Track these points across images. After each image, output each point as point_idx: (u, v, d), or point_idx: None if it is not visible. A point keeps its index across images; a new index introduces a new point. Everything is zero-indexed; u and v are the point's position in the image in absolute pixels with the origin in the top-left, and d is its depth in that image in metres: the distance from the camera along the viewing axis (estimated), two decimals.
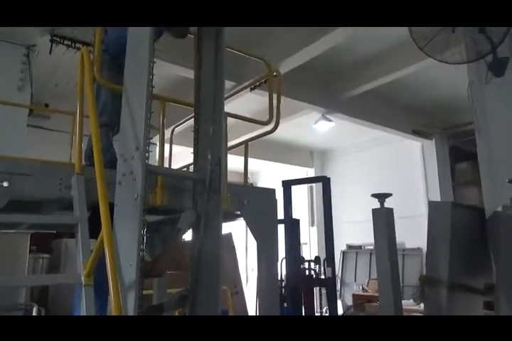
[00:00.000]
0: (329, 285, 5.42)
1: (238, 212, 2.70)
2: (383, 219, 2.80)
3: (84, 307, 1.72)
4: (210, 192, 2.29)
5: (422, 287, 2.84)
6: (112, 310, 1.62)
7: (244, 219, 2.69)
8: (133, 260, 1.81)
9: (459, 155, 9.54)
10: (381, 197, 2.79)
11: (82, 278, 1.76)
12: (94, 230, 1.88)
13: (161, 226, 3.11)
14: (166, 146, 3.07)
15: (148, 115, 1.93)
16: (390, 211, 2.86)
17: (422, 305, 3.16)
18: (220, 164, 2.27)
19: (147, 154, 2.01)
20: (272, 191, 2.87)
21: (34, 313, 4.93)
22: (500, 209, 2.80)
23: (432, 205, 3.03)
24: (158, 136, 2.96)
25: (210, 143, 2.34)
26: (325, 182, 5.81)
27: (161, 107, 2.68)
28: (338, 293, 8.46)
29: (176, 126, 4.43)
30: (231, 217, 2.90)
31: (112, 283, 1.64)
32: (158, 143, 2.89)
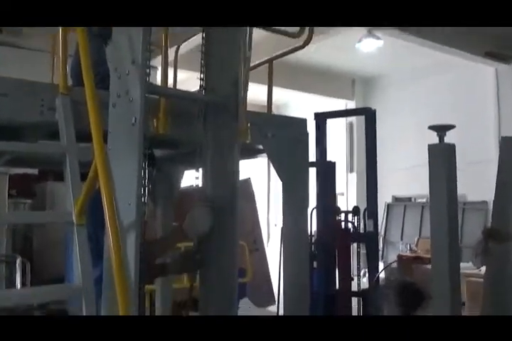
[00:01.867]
0: (370, 241, 5.51)
1: (260, 147, 2.72)
2: (443, 159, 2.77)
3: (77, 251, 1.81)
4: (224, 118, 2.28)
5: (486, 242, 2.87)
6: (111, 253, 1.69)
7: (268, 154, 2.70)
8: (132, 198, 1.87)
9: None
10: (441, 129, 2.74)
11: (74, 217, 1.83)
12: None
13: (165, 164, 3.17)
14: (170, 71, 3.04)
15: None
16: (452, 148, 2.82)
17: (483, 268, 3.21)
18: (238, 84, 2.24)
19: (147, 70, 1.99)
20: (303, 121, 2.86)
21: (17, 266, 5.23)
22: None
23: (504, 142, 2.98)
24: (159, 57, 2.92)
25: (224, 58, 2.31)
26: (369, 115, 5.72)
27: None
28: (380, 254, 8.63)
29: (184, 41, 4.35)
30: (251, 152, 2.92)
31: (109, 223, 1.70)
32: (160, 66, 2.87)
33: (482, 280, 3.13)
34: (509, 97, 9.61)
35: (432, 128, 2.80)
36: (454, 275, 2.76)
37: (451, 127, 2.79)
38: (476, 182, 8.53)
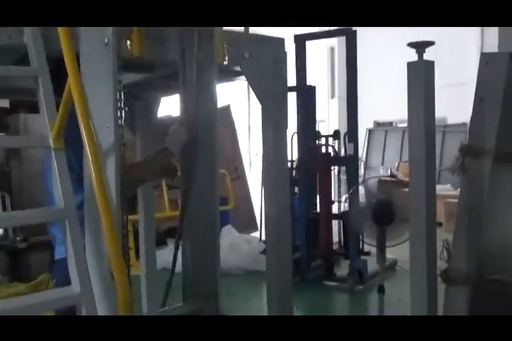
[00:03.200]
0: (350, 164, 5.65)
1: (238, 68, 2.70)
2: (422, 77, 2.79)
3: (57, 175, 1.84)
4: (200, 39, 2.26)
5: (463, 158, 2.95)
6: (91, 176, 1.73)
7: (246, 76, 2.69)
8: (109, 120, 1.88)
9: None
10: (420, 46, 2.73)
11: (51, 141, 1.84)
12: (58, 92, 1.92)
13: (142, 90, 3.14)
14: None
15: None
16: (431, 65, 2.83)
17: (458, 189, 3.35)
18: None
19: None
20: (281, 40, 2.82)
21: None
22: None
23: (484, 58, 2.98)
24: None
25: None
26: (349, 36, 5.65)
27: None
28: (360, 179, 8.85)
29: None
30: (228, 74, 2.90)
31: (88, 145, 1.73)
32: None
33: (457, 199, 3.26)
34: None
35: (411, 45, 2.79)
36: (429, 196, 2.87)
37: (430, 43, 2.78)
38: (457, 105, 8.62)
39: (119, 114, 1.93)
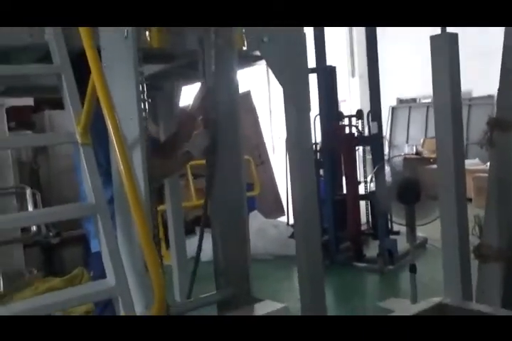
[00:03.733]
0: (375, 143, 5.61)
1: (257, 53, 2.70)
2: (445, 50, 2.75)
3: (86, 171, 1.88)
4: (217, 27, 2.26)
5: (491, 132, 2.91)
6: (120, 169, 1.76)
7: (266, 60, 2.68)
8: (133, 113, 1.91)
9: None
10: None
11: (77, 136, 1.88)
12: (80, 88, 1.95)
13: (162, 80, 3.16)
14: None
15: None
16: (455, 37, 2.79)
17: (488, 164, 3.30)
18: None
19: None
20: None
21: (28, 196, 5.39)
22: None
23: (508, 30, 2.92)
24: None
25: None
26: None
27: None
28: (386, 157, 8.80)
29: None
30: (248, 60, 2.90)
31: (114, 139, 1.75)
32: None
33: (488, 175, 3.22)
34: None
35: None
36: (459, 172, 2.84)
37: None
38: (482, 76, 8.44)
39: (142, 106, 1.96)
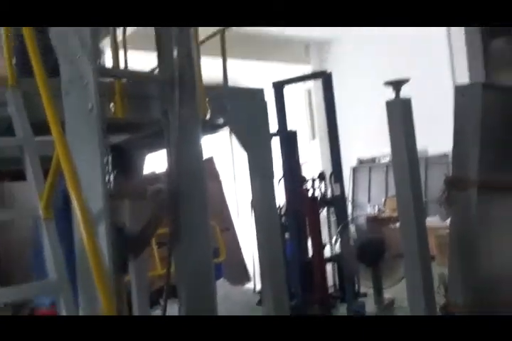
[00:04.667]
0: (338, 205, 5.66)
1: (220, 121, 2.77)
2: (400, 114, 2.88)
3: (48, 246, 1.84)
4: (181, 96, 2.31)
5: (449, 190, 3.01)
6: (84, 241, 1.73)
7: (230, 127, 2.76)
8: (98, 185, 1.90)
9: (494, 29, 9.40)
10: (396, 84, 2.83)
11: (40, 211, 1.85)
12: None
13: (127, 148, 3.19)
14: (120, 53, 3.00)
15: None
16: (408, 102, 2.93)
17: (448, 221, 3.39)
18: (191, 56, 2.26)
19: (97, 53, 2.00)
20: (260, 91, 2.91)
21: None
22: None
23: (458, 90, 3.09)
24: (108, 39, 2.89)
25: (175, 35, 2.33)
26: (325, 79, 5.80)
27: None
28: (350, 219, 8.89)
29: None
30: (212, 127, 2.97)
31: (79, 212, 1.74)
32: (109, 49, 2.84)
33: (448, 232, 3.30)
34: (460, 45, 9.87)
35: (388, 83, 2.89)
36: (420, 229, 2.90)
37: (405, 81, 2.89)
38: (436, 136, 8.77)
39: (107, 179, 1.96)
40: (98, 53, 2.02)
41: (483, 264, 3.05)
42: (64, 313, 1.77)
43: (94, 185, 1.91)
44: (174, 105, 2.36)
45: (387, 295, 5.65)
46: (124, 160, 2.65)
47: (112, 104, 2.23)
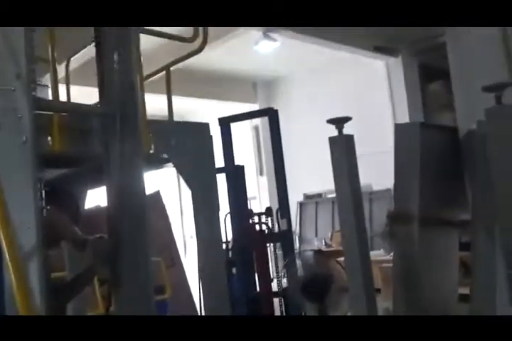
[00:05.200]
0: (285, 239, 5.63)
1: (165, 156, 2.70)
2: (343, 150, 2.90)
3: None
4: (124, 130, 2.24)
5: (391, 225, 3.03)
6: (13, 283, 1.60)
7: (174, 163, 2.69)
8: (31, 222, 1.79)
9: (431, 73, 9.87)
10: (339, 122, 2.87)
11: None
12: None
13: (66, 184, 3.05)
14: (61, 88, 2.91)
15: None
16: (350, 138, 2.97)
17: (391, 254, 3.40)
18: (134, 89, 2.21)
19: (33, 85, 1.92)
20: (205, 125, 2.88)
21: None
22: (474, 126, 2.98)
23: (398, 128, 3.17)
24: (48, 74, 2.81)
25: (118, 69, 2.28)
26: (272, 116, 5.85)
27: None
28: (296, 253, 8.85)
29: (72, 56, 4.20)
30: (156, 163, 2.89)
31: (7, 250, 1.61)
32: (50, 84, 2.76)
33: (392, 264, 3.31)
34: (400, 89, 10.27)
35: (330, 121, 2.93)
36: (364, 262, 2.89)
37: (347, 119, 2.93)
38: (379, 172, 8.96)
39: (40, 214, 1.84)
40: (34, 85, 1.93)
41: (425, 294, 3.06)
42: None
43: (27, 220, 1.80)
44: (115, 139, 2.29)
45: None
46: (61, 196, 2.52)
47: (49, 138, 2.13)
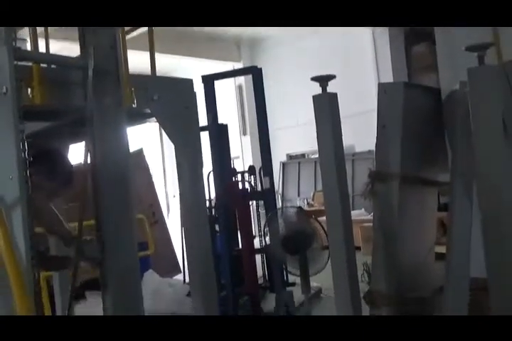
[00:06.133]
0: (268, 198, 5.69)
1: (148, 111, 2.68)
2: (326, 108, 2.90)
3: None
4: (106, 83, 2.22)
5: (372, 183, 3.08)
6: None
7: (156, 118, 2.67)
8: (13, 171, 1.79)
9: (415, 36, 9.82)
10: (323, 79, 2.86)
11: None
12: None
13: (48, 138, 3.03)
14: (41, 42, 2.83)
15: None
16: (334, 96, 2.96)
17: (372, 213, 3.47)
18: (116, 46, 2.18)
19: (13, 34, 1.88)
20: (189, 81, 2.84)
21: None
22: (457, 87, 2.99)
23: (381, 87, 3.16)
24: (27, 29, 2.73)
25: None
26: (255, 74, 5.80)
27: None
28: (279, 209, 8.98)
29: None
30: (139, 117, 2.87)
31: None
32: (28, 39, 2.68)
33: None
34: (385, 51, 10.22)
35: (314, 79, 2.91)
36: (346, 221, 2.94)
37: (332, 77, 2.91)
38: (362, 133, 9.02)
39: (24, 165, 1.84)
40: (14, 36, 1.88)
41: (403, 252, 3.15)
42: None
43: (9, 171, 1.79)
44: (96, 92, 2.25)
45: (315, 284, 5.75)
46: (44, 150, 2.49)
47: (29, 90, 2.10)
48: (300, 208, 4.27)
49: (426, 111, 3.34)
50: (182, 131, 2.84)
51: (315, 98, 2.97)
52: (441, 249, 3.29)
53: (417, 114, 3.17)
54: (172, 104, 2.75)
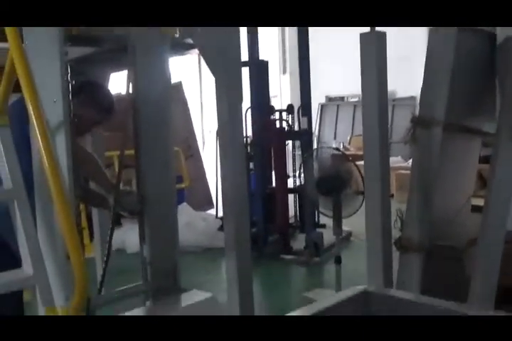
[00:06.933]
0: (304, 138, 5.67)
1: (190, 41, 2.63)
2: (374, 47, 2.79)
3: (2, 153, 1.75)
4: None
5: (414, 128, 3.00)
6: (41, 150, 1.64)
7: (199, 48, 2.62)
8: (57, 95, 1.79)
9: None
10: None
11: None
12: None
13: (89, 65, 3.02)
14: None
15: None
16: (383, 35, 2.84)
17: (409, 161, 3.40)
18: None
19: None
20: None
21: None
22: None
23: (432, 32, 3.01)
24: None
25: None
26: None
27: None
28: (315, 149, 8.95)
29: None
30: (180, 48, 2.83)
31: (36, 121, 1.64)
32: None
33: (409, 172, 3.33)
34: None
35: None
36: (384, 167, 2.89)
37: None
38: (405, 78, 8.74)
39: (67, 89, 1.84)
40: None
41: (439, 202, 3.11)
42: (19, 222, 1.71)
43: (53, 94, 1.80)
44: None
45: (346, 228, 5.82)
46: (85, 80, 2.49)
47: None
48: (337, 149, 4.23)
49: (478, 56, 3.17)
50: (224, 63, 2.78)
51: (362, 36, 2.84)
52: (478, 202, 3.24)
53: (468, 59, 3.02)
54: (216, 35, 2.67)
